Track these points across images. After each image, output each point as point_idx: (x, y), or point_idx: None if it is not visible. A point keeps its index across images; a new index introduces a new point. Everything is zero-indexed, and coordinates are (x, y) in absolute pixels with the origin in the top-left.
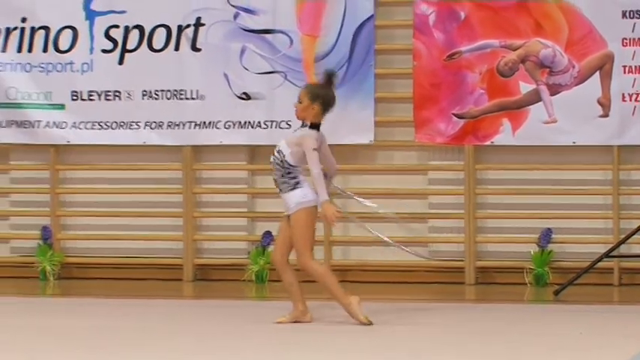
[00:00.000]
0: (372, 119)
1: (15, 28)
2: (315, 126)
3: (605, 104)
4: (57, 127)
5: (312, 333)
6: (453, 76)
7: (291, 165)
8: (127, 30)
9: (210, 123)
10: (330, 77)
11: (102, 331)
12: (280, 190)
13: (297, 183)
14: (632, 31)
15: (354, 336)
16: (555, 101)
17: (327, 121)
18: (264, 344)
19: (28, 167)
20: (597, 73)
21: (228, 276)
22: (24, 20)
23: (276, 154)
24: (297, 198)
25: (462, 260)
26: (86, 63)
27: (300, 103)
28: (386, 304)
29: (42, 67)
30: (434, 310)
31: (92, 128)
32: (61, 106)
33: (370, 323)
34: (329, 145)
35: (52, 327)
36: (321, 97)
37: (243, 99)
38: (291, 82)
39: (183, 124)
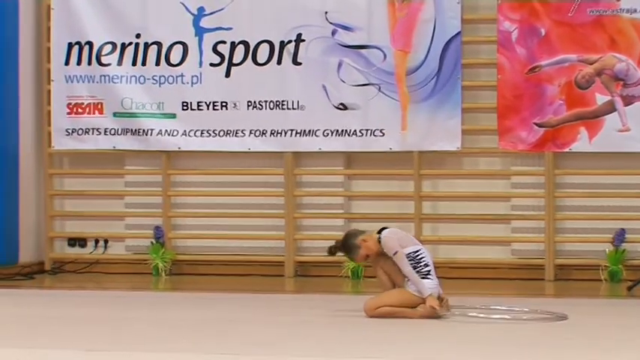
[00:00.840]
0: (459, 128)
1: (130, 44)
2: (380, 231)
3: None
4: (168, 134)
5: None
6: (533, 88)
7: (410, 253)
8: (233, 45)
9: (309, 131)
10: (335, 250)
11: (209, 322)
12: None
13: (428, 272)
14: None
15: (429, 327)
16: (629, 111)
17: (418, 130)
18: (354, 333)
19: (142, 172)
20: None
21: (326, 272)
22: (138, 36)
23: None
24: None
25: (542, 258)
26: (196, 76)
27: (368, 256)
28: (472, 299)
29: (155, 80)
30: (516, 304)
31: (201, 136)
32: (173, 116)
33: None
34: (420, 151)
35: (164, 319)
36: (354, 239)
37: (340, 109)
38: (384, 93)
39: (285, 132)
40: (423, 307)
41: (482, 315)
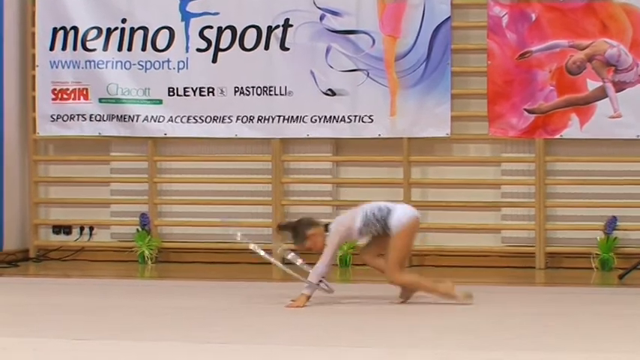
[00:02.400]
0: (449, 114)
1: (115, 29)
2: (327, 226)
3: None
4: (155, 120)
5: (380, 313)
6: (524, 73)
7: (366, 224)
8: (220, 30)
9: (297, 117)
10: (283, 227)
11: (196, 310)
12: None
13: (389, 210)
14: None
15: (423, 316)
16: (620, 97)
17: (408, 116)
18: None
19: (128, 158)
20: None
21: (314, 259)
22: (124, 21)
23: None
24: (395, 222)
25: (532, 246)
26: (182, 61)
27: (312, 248)
28: (461, 287)
29: (141, 65)
30: (506, 292)
31: (187, 122)
32: (159, 102)
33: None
34: (409, 137)
35: (150, 307)
36: (305, 229)
37: (328, 95)
38: (373, 79)
39: (273, 119)
40: (443, 283)
41: None
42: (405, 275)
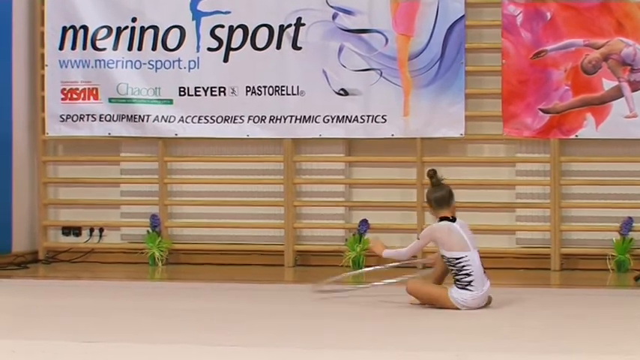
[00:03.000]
0: (463, 114)
1: (126, 28)
2: (443, 219)
3: None
4: (165, 121)
5: (395, 317)
6: (539, 73)
7: (447, 257)
8: (231, 29)
9: (309, 117)
10: (430, 177)
11: (207, 313)
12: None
13: (468, 283)
14: None
15: (437, 318)
16: (636, 97)
17: (421, 116)
18: (354, 323)
19: (138, 159)
20: None
21: (326, 262)
22: (134, 20)
23: None
24: (460, 298)
25: (547, 247)
26: (193, 60)
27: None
28: None
29: (151, 65)
30: (521, 294)
31: (198, 122)
32: (169, 101)
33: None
34: (422, 138)
35: (161, 309)
36: (429, 200)
37: (341, 95)
38: (386, 78)
39: (285, 118)
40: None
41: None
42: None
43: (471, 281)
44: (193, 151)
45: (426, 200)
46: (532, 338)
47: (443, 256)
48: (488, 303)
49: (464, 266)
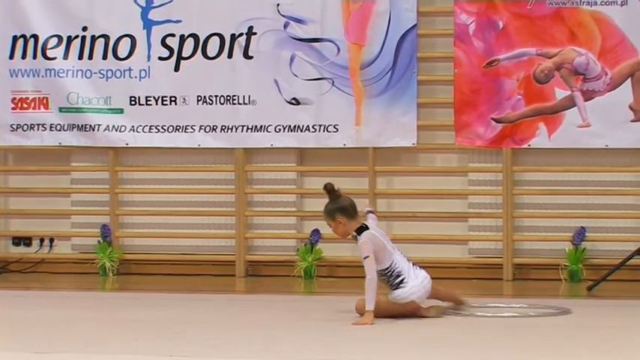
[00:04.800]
0: (415, 123)
1: (76, 37)
2: (360, 229)
3: (636, 109)
4: (116, 130)
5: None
6: (491, 82)
7: (380, 270)
8: (182, 38)
9: (261, 127)
10: (329, 191)
11: (158, 323)
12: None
13: (401, 281)
14: None
15: (393, 328)
16: (589, 106)
17: (373, 125)
18: (307, 334)
19: (89, 169)
20: (629, 80)
21: (278, 272)
22: (85, 29)
23: None
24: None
25: (500, 257)
26: (144, 69)
27: (331, 227)
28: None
29: (102, 74)
30: (473, 304)
31: (149, 132)
32: (120, 111)
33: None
34: (374, 147)
35: (112, 320)
36: (337, 210)
37: (292, 104)
38: (338, 88)
39: (236, 128)
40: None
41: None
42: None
43: (403, 279)
44: (144, 160)
45: (334, 214)
46: (483, 348)
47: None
48: (441, 312)
49: (394, 271)
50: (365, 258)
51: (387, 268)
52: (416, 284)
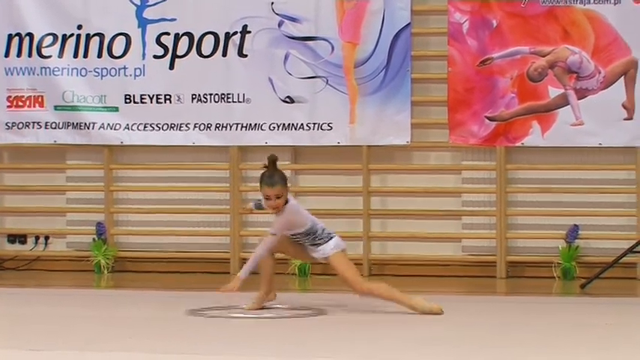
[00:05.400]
0: (409, 121)
1: (71, 35)
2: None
3: (629, 108)
4: (111, 128)
5: (346, 324)
6: (485, 80)
7: (304, 233)
8: (177, 37)
9: (255, 125)
10: (273, 162)
11: (153, 320)
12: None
13: (330, 236)
14: None
15: (387, 326)
16: (582, 105)
17: (367, 123)
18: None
19: (84, 166)
20: (622, 78)
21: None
22: (80, 27)
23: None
24: (332, 245)
25: (493, 255)
26: (139, 68)
27: (279, 198)
28: (423, 296)
29: (97, 72)
30: (467, 302)
31: (144, 130)
32: (115, 109)
33: (441, 312)
34: (368, 145)
35: (107, 317)
36: (283, 179)
37: (286, 102)
38: (332, 86)
39: (231, 126)
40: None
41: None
42: (372, 284)
43: (330, 232)
44: (139, 158)
45: (276, 183)
46: (479, 346)
47: (295, 234)
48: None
49: (316, 228)
50: (272, 234)
51: (310, 228)
52: (338, 240)
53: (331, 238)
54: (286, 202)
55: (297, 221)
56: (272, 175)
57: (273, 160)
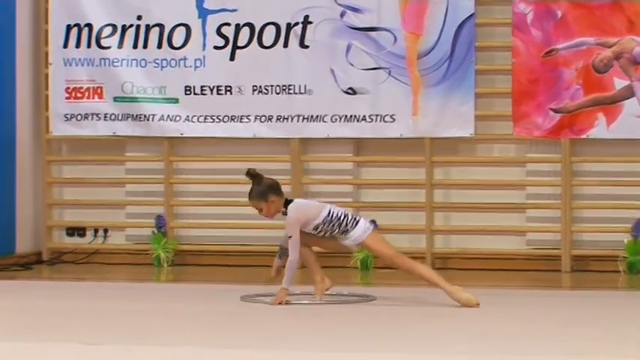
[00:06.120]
0: (473, 113)
1: (131, 26)
2: (286, 203)
3: None
4: (171, 120)
5: (407, 317)
6: (550, 72)
7: (326, 222)
8: (237, 27)
9: (317, 116)
10: (253, 176)
11: (214, 315)
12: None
13: (356, 220)
14: None
15: (449, 321)
16: None
17: (430, 115)
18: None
19: (143, 159)
20: None
21: (334, 263)
22: (139, 18)
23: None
24: (362, 229)
25: (558, 249)
26: (199, 59)
27: (262, 210)
28: (485, 291)
29: (156, 63)
30: (531, 296)
31: (205, 121)
32: (175, 100)
33: (478, 304)
34: (431, 137)
35: (166, 311)
36: (268, 190)
37: (348, 94)
38: (395, 77)
39: (292, 118)
40: (459, 291)
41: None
42: (414, 262)
43: (354, 216)
44: (199, 150)
45: (267, 194)
46: (543, 341)
47: (317, 227)
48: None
49: (337, 215)
50: (289, 237)
51: (327, 216)
52: (365, 223)
53: (357, 222)
54: (288, 203)
55: (307, 216)
56: (250, 191)
57: (250, 175)
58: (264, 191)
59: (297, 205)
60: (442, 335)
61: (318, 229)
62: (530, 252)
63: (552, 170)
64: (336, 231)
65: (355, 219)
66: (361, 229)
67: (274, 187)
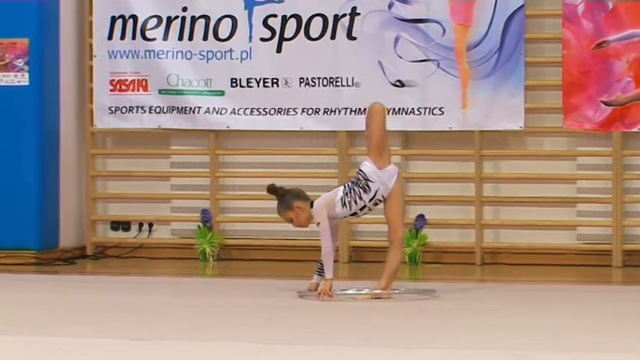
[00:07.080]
0: (523, 106)
1: (176, 17)
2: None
3: None
4: (217, 113)
5: (455, 311)
6: (601, 64)
7: (345, 202)
8: (284, 19)
9: (365, 109)
10: (274, 190)
11: (260, 309)
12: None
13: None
14: None
15: (494, 315)
16: None
17: (480, 108)
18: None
19: (189, 152)
20: None
21: (381, 258)
22: (185, 9)
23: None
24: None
25: (609, 243)
26: (245, 51)
27: (293, 220)
28: (535, 286)
29: (202, 55)
30: (582, 291)
31: (251, 114)
32: (221, 93)
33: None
34: (481, 130)
35: (213, 306)
36: (292, 198)
37: (397, 86)
38: (443, 70)
39: (339, 111)
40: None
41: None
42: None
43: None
44: (245, 143)
45: (291, 202)
46: (594, 337)
47: (343, 201)
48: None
49: (350, 185)
50: (317, 224)
51: (345, 188)
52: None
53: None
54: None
55: (329, 197)
56: (277, 207)
57: (271, 190)
58: (288, 200)
59: (318, 209)
60: (494, 330)
61: (349, 201)
62: (580, 247)
63: (603, 164)
64: (358, 191)
65: (366, 179)
66: (389, 174)
67: (297, 194)
